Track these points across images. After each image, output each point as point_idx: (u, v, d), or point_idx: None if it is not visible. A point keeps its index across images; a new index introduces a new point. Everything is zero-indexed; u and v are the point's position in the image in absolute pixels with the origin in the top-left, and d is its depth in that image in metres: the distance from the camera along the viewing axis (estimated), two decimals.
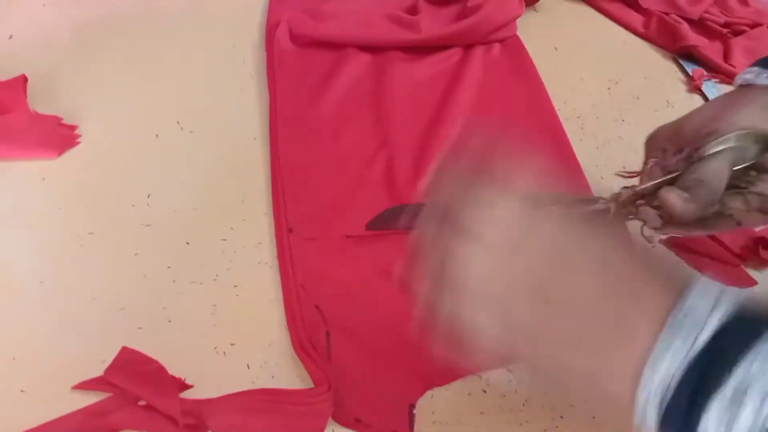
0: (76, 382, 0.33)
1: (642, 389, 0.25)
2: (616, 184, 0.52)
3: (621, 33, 0.71)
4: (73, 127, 0.44)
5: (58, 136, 0.43)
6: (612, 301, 0.26)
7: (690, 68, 0.68)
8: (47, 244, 0.39)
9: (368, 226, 0.42)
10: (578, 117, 0.58)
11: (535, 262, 0.27)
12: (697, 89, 0.65)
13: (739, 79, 0.39)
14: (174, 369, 0.35)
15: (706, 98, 0.64)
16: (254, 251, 0.41)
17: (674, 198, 0.33)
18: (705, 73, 0.66)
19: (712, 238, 0.49)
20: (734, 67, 0.68)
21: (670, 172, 0.36)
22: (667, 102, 0.63)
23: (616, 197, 0.36)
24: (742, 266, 0.49)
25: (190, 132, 0.47)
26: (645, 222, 0.36)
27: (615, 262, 0.27)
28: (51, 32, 0.51)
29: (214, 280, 0.39)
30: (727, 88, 0.67)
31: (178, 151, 0.45)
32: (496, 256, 0.27)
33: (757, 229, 0.50)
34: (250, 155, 0.47)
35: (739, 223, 0.36)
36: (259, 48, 0.55)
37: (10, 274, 0.37)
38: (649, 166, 0.38)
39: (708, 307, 0.25)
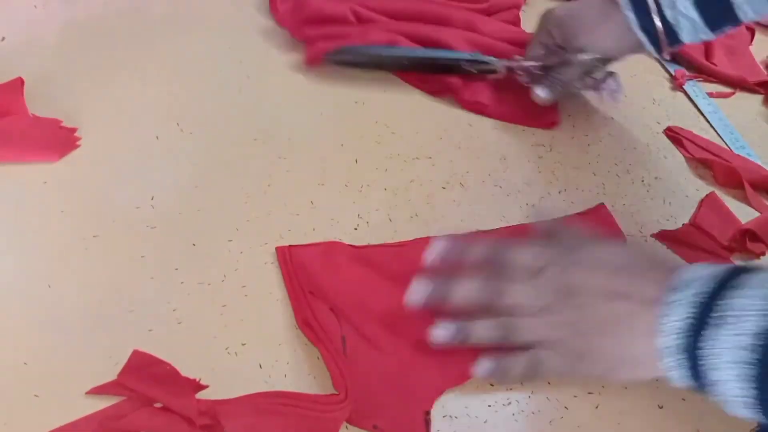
0: (89, 385, 0.33)
1: (659, 338, 0.32)
2: (608, 180, 0.54)
3: None
4: (73, 130, 0.44)
5: (59, 139, 0.43)
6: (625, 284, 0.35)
7: (671, 68, 0.69)
8: (52, 247, 0.38)
9: (327, 55, 0.53)
10: (569, 115, 0.59)
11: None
12: (679, 87, 0.67)
13: None
14: (186, 370, 0.35)
15: (689, 97, 0.66)
16: (260, 251, 0.41)
17: (540, 94, 0.55)
18: (686, 73, 0.68)
19: (702, 231, 0.51)
20: (716, 65, 0.70)
21: (546, 62, 0.55)
22: (653, 99, 0.64)
23: (506, 64, 0.56)
24: (731, 258, 0.50)
25: (190, 133, 0.47)
26: (522, 80, 0.57)
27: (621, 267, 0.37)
28: (44, 34, 0.51)
29: (222, 280, 0.39)
30: (709, 87, 0.69)
31: (180, 153, 0.45)
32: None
33: (744, 222, 0.52)
34: (251, 156, 0.47)
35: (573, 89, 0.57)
36: (255, 49, 0.55)
37: (17, 279, 0.37)
38: (534, 46, 0.57)
39: (703, 271, 0.33)
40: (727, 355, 0.30)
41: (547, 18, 0.55)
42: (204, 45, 0.54)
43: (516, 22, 0.66)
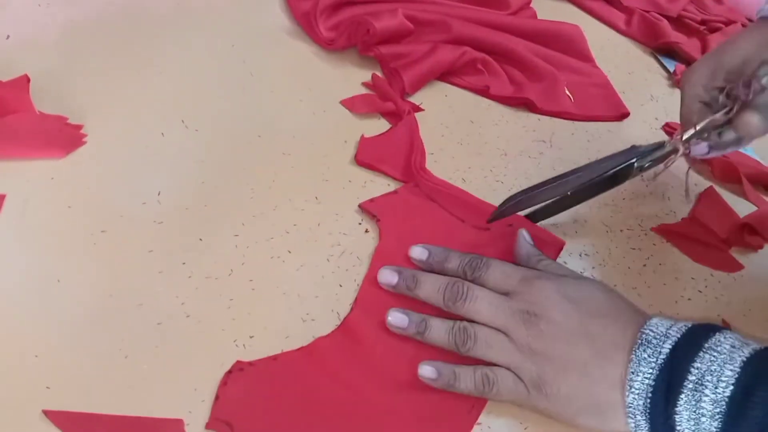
0: (99, 378, 0.34)
1: (627, 395, 0.31)
2: None
3: (604, 30, 0.73)
4: (79, 127, 0.44)
5: (65, 136, 0.43)
6: (592, 337, 0.34)
7: (669, 65, 0.70)
8: (61, 242, 0.39)
9: (490, 221, 0.45)
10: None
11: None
12: (678, 83, 0.68)
13: (761, 12, 0.45)
14: (195, 363, 0.35)
15: None
16: (266, 246, 0.42)
17: (756, 119, 0.41)
18: (686, 68, 0.69)
19: (701, 225, 0.52)
20: None
21: (727, 104, 0.43)
22: (651, 96, 0.65)
23: (680, 138, 0.44)
24: (730, 251, 0.51)
25: (196, 130, 0.47)
26: (699, 152, 0.46)
27: (592, 306, 0.35)
28: (48, 31, 0.51)
29: (229, 275, 0.40)
30: None
31: (185, 149, 0.46)
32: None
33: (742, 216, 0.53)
34: (255, 152, 0.47)
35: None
36: (258, 46, 0.56)
37: (26, 274, 0.37)
38: (694, 107, 0.45)
39: (666, 326, 0.33)
40: (698, 423, 0.29)
41: (690, 76, 0.46)
42: (208, 43, 0.55)
43: (535, 16, 0.68)
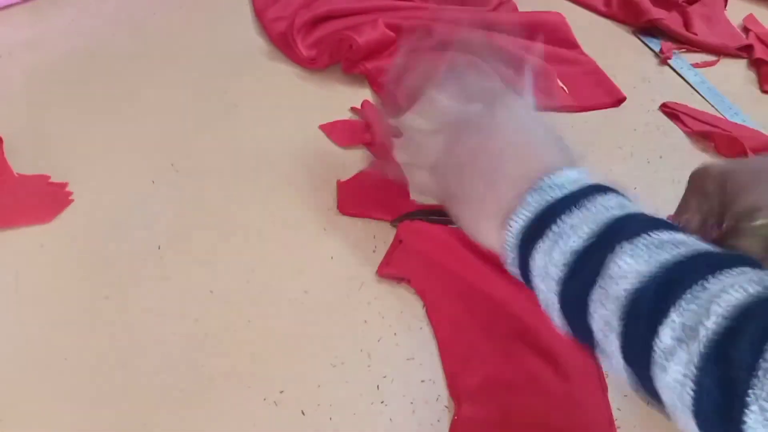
0: None
1: (507, 232, 0.32)
2: (615, 165, 0.53)
3: (585, 14, 0.72)
4: (63, 185, 0.41)
5: (50, 197, 0.40)
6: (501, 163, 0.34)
7: (654, 44, 0.69)
8: (61, 316, 0.36)
9: (393, 221, 0.44)
10: None
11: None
12: (665, 61, 0.66)
13: None
14: (226, 427, 0.33)
15: (675, 71, 0.66)
16: (281, 288, 0.39)
17: None
18: (673, 45, 0.68)
19: None
20: (696, 35, 0.70)
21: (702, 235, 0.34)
22: (643, 77, 0.64)
23: None
24: None
25: (187, 172, 0.45)
26: None
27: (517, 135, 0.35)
28: (15, 84, 0.48)
29: (247, 326, 0.37)
30: (693, 58, 0.68)
31: (179, 195, 0.43)
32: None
33: None
34: (254, 188, 0.45)
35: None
36: (238, 74, 0.53)
37: (29, 354, 0.34)
38: (681, 213, 0.40)
39: (570, 179, 0.31)
40: (546, 269, 0.30)
41: (700, 175, 0.40)
42: (185, 76, 0.52)
43: (516, 9, 0.66)
